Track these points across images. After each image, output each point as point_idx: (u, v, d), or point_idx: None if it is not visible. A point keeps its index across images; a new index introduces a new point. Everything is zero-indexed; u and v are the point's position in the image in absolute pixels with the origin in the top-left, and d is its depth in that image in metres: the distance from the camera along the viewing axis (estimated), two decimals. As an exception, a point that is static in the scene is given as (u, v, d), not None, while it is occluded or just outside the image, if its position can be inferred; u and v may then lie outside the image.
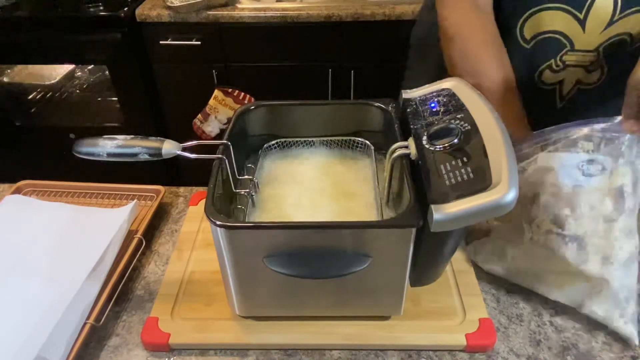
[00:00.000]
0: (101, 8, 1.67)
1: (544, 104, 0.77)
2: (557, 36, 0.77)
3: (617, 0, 0.72)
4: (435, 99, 0.62)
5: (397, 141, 0.61)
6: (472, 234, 0.75)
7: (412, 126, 0.60)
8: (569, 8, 0.74)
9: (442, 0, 0.83)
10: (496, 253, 0.70)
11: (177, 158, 0.59)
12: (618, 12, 0.72)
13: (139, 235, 0.75)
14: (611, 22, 0.73)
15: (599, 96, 0.81)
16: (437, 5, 0.84)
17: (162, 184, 0.86)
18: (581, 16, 0.74)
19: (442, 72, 0.74)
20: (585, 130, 0.61)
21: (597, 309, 0.63)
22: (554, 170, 0.62)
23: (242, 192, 0.65)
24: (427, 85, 0.65)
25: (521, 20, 0.78)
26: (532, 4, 0.77)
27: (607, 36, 0.75)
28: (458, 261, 0.72)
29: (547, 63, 0.79)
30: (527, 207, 0.65)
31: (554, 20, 0.76)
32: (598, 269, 0.61)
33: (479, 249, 0.72)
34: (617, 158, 0.60)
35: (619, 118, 0.60)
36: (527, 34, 0.79)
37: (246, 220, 0.62)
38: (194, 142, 0.60)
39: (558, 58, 0.78)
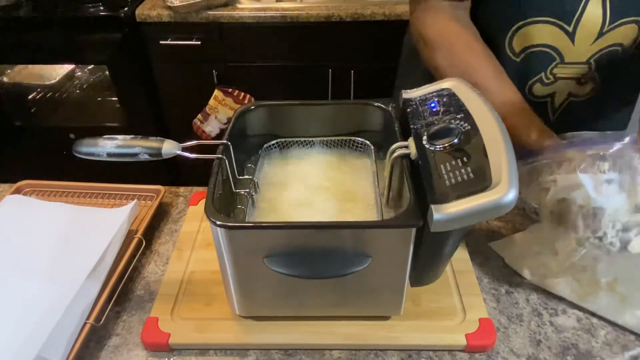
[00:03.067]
0: (101, 8, 1.67)
1: None
2: (546, 50, 0.76)
3: (605, 12, 0.71)
4: (435, 99, 0.62)
5: (397, 141, 0.61)
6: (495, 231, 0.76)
7: (412, 126, 0.60)
8: (557, 21, 0.73)
9: (419, 15, 0.82)
10: (525, 255, 0.70)
11: (177, 158, 0.59)
12: (607, 24, 0.72)
13: (139, 235, 0.75)
14: (601, 34, 0.73)
15: (592, 108, 0.81)
16: (414, 17, 0.82)
17: (162, 184, 0.86)
18: (570, 29, 0.73)
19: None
20: (599, 151, 0.61)
21: (630, 319, 0.64)
22: (573, 192, 0.62)
23: (242, 192, 0.65)
24: (427, 85, 0.65)
25: (509, 33, 0.77)
26: (519, 17, 0.76)
27: (598, 48, 0.74)
28: (458, 261, 0.72)
29: (537, 76, 0.79)
30: (555, 222, 0.66)
31: (542, 34, 0.75)
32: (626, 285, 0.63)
33: (508, 245, 0.72)
34: (635, 176, 0.60)
35: (629, 137, 0.60)
36: (517, 47, 0.78)
37: (246, 220, 0.62)
38: (194, 142, 0.60)
39: (548, 71, 0.78)
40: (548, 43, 0.75)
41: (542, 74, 0.78)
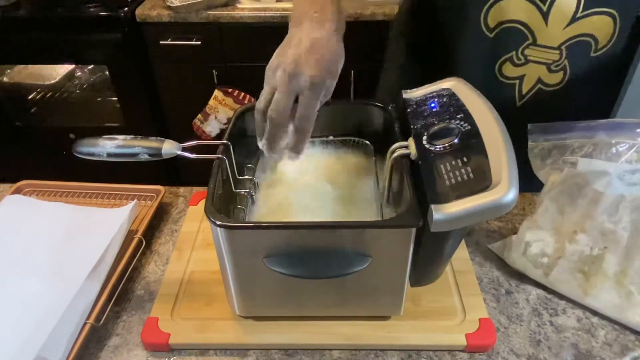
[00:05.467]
0: (101, 8, 1.67)
1: (503, 99, 0.76)
2: (519, 26, 0.76)
3: None
4: (435, 99, 0.62)
5: (397, 141, 0.61)
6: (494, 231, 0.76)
7: (412, 126, 0.60)
8: None
9: None
10: (526, 252, 0.69)
11: (177, 158, 0.59)
12: (581, 9, 0.72)
13: (139, 235, 0.75)
14: (574, 19, 0.73)
15: (559, 100, 0.81)
16: None
17: (162, 184, 0.86)
18: (544, 8, 0.73)
19: (412, 78, 0.73)
20: (629, 139, 0.61)
21: (633, 317, 0.64)
22: (595, 177, 0.62)
23: (242, 192, 0.65)
24: (427, 85, 0.65)
25: (485, 7, 0.77)
26: None
27: (571, 34, 0.75)
28: (458, 261, 0.72)
29: (508, 55, 0.79)
30: (564, 210, 0.65)
31: (517, 9, 0.75)
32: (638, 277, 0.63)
33: (507, 246, 0.72)
34: None
35: None
36: (491, 22, 0.78)
37: (246, 220, 0.62)
38: (194, 142, 0.60)
39: (520, 51, 0.78)
40: (522, 20, 0.76)
41: (514, 54, 0.78)
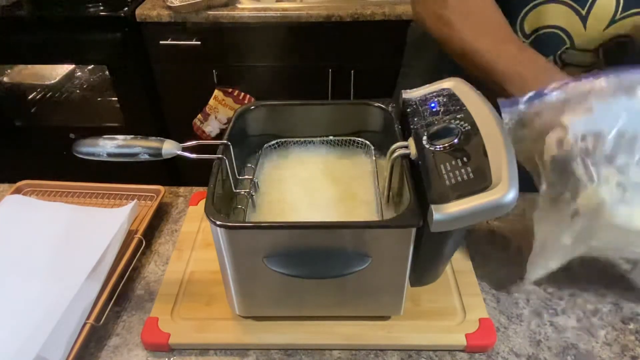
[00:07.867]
0: (101, 8, 1.67)
1: None
2: (557, 32, 0.76)
3: None
4: (435, 99, 0.62)
5: (397, 141, 0.61)
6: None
7: (412, 126, 0.60)
8: (572, 3, 0.74)
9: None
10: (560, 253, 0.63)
11: (177, 158, 0.59)
12: (620, 10, 0.72)
13: (139, 235, 0.75)
14: (613, 21, 0.73)
15: None
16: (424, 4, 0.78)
17: (162, 184, 0.86)
18: (583, 12, 0.73)
19: (438, 70, 0.73)
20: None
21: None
22: (616, 116, 0.55)
23: (242, 192, 0.65)
24: (427, 85, 0.65)
25: (522, 12, 0.77)
26: None
27: (608, 36, 0.74)
28: (458, 261, 0.72)
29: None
30: (578, 162, 0.57)
31: (555, 15, 0.75)
32: None
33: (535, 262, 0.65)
34: None
35: None
36: (528, 28, 0.78)
37: (246, 220, 0.62)
38: (194, 142, 0.60)
39: (557, 55, 0.78)
40: (560, 25, 0.75)
41: (551, 59, 0.78)
